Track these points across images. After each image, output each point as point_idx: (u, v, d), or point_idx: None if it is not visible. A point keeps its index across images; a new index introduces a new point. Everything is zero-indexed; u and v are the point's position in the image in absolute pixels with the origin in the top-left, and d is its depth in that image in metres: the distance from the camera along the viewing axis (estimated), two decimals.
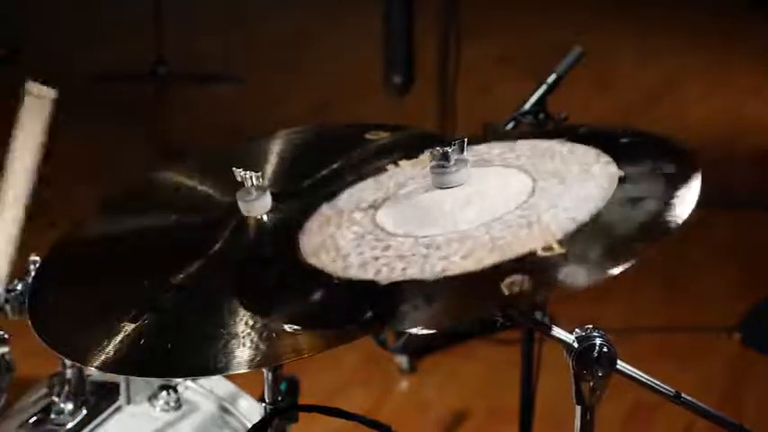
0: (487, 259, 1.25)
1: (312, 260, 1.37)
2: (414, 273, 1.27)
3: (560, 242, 1.24)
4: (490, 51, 5.24)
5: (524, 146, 1.47)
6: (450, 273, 1.25)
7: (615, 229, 1.27)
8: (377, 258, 1.32)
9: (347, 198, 1.49)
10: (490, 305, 1.25)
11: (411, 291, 1.26)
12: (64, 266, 1.59)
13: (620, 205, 1.29)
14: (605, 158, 1.37)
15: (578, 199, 1.31)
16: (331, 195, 1.50)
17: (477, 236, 1.29)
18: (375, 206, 1.44)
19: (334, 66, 5.25)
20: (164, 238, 1.59)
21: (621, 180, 1.33)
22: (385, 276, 1.29)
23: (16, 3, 5.79)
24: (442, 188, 1.40)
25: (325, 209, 1.48)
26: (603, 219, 1.27)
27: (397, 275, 1.28)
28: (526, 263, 1.23)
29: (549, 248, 1.23)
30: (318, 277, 1.33)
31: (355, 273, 1.31)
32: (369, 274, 1.30)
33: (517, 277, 1.21)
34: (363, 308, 1.28)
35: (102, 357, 1.36)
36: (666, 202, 1.27)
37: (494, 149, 1.49)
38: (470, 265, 1.25)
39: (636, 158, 1.39)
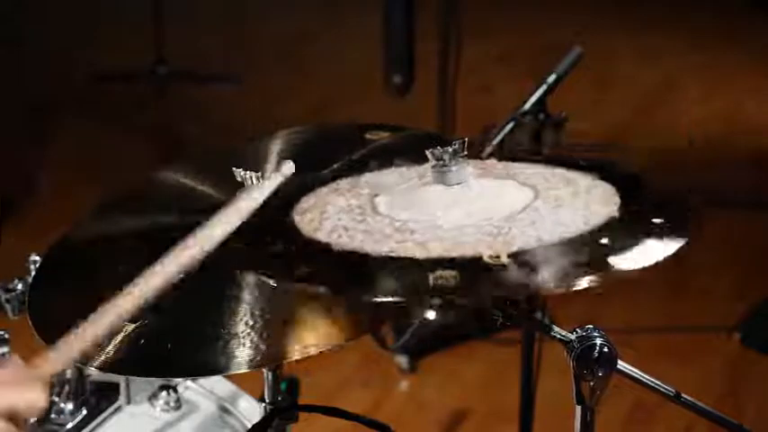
0: (435, 252, 1.27)
1: (296, 217, 1.41)
2: (366, 246, 1.31)
3: (510, 255, 1.25)
4: (490, 51, 5.24)
5: (557, 171, 1.48)
6: (394, 254, 1.28)
7: (568, 257, 1.27)
8: (347, 228, 1.36)
9: (370, 178, 1.51)
10: (413, 291, 1.26)
11: (355, 261, 1.30)
12: (64, 266, 1.59)
13: (589, 241, 1.29)
14: (615, 200, 1.37)
15: (557, 224, 1.31)
16: (357, 172, 1.53)
17: (445, 232, 1.31)
18: (384, 189, 1.45)
19: (334, 66, 5.25)
20: (164, 238, 1.58)
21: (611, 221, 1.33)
22: (341, 243, 1.32)
23: (16, 2, 5.79)
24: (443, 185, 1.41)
25: (344, 182, 1.51)
26: (564, 247, 1.27)
27: (351, 245, 1.32)
28: (465, 262, 1.25)
29: (495, 257, 1.24)
30: (289, 233, 1.38)
31: (320, 235, 1.36)
32: (330, 239, 1.34)
33: (447, 272, 1.22)
34: (306, 266, 1.33)
35: (102, 357, 1.36)
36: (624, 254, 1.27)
37: (529, 169, 1.50)
38: (418, 252, 1.28)
39: (645, 205, 1.38)
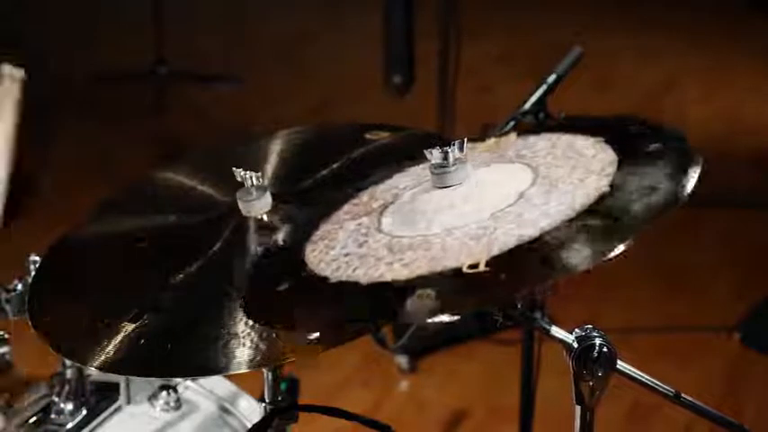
0: (421, 269, 1.27)
1: (307, 249, 1.40)
2: (358, 275, 1.30)
3: (488, 262, 1.24)
4: (490, 51, 5.24)
5: (565, 141, 1.46)
6: (383, 279, 1.28)
7: (544, 255, 1.25)
8: (346, 255, 1.35)
9: (390, 184, 1.50)
10: (396, 317, 1.26)
11: (347, 292, 1.29)
12: (64, 266, 1.59)
13: (567, 230, 1.27)
14: (610, 168, 1.36)
15: (542, 214, 1.30)
16: (381, 179, 1.52)
17: (434, 242, 1.31)
18: (394, 199, 1.45)
19: (335, 66, 5.25)
20: (164, 238, 1.59)
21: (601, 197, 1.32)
22: (338, 275, 1.32)
23: (16, 2, 5.79)
24: (440, 187, 1.40)
25: (365, 194, 1.50)
26: (543, 241, 1.26)
27: (346, 276, 1.31)
28: (444, 279, 1.24)
29: (475, 266, 1.24)
30: (296, 268, 1.37)
31: (321, 267, 1.35)
32: (327, 271, 1.33)
33: (425, 291, 1.22)
34: (300, 303, 1.32)
35: (102, 357, 1.36)
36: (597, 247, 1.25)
37: (540, 142, 1.48)
38: (404, 273, 1.27)
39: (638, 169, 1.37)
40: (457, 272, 1.24)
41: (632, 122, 1.52)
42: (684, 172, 1.33)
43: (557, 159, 1.42)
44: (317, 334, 1.28)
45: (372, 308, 1.28)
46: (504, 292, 1.25)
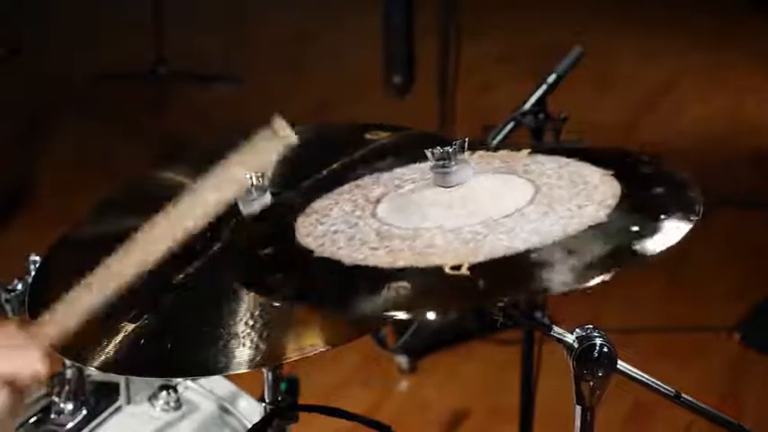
0: (403, 261, 1.27)
1: (300, 219, 1.41)
2: (341, 254, 1.31)
3: (472, 266, 1.23)
4: (490, 51, 5.24)
5: (575, 166, 1.46)
6: (363, 263, 1.28)
7: (528, 270, 1.25)
8: (335, 232, 1.36)
9: (396, 173, 1.50)
10: (368, 302, 1.26)
11: (327, 269, 1.30)
12: (64, 266, 1.59)
13: (553, 251, 1.27)
14: (610, 201, 1.35)
15: (533, 231, 1.29)
16: (387, 168, 1.52)
17: (424, 237, 1.31)
18: (395, 188, 1.45)
19: (335, 66, 5.25)
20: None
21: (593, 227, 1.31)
22: (322, 251, 1.32)
23: (16, 3, 5.79)
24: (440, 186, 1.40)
25: (369, 178, 1.50)
26: (529, 257, 1.25)
27: (329, 253, 1.32)
28: (424, 274, 1.24)
29: (457, 267, 1.24)
30: (285, 235, 1.39)
31: (309, 240, 1.36)
32: (313, 245, 1.34)
33: (402, 284, 1.22)
34: (282, 270, 1.34)
35: (102, 357, 1.36)
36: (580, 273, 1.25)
37: (549, 162, 1.48)
38: (386, 261, 1.28)
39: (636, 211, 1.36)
40: (438, 270, 1.24)
41: (645, 160, 1.51)
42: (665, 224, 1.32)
43: (561, 181, 1.42)
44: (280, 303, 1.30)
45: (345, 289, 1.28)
46: (480, 300, 1.25)
